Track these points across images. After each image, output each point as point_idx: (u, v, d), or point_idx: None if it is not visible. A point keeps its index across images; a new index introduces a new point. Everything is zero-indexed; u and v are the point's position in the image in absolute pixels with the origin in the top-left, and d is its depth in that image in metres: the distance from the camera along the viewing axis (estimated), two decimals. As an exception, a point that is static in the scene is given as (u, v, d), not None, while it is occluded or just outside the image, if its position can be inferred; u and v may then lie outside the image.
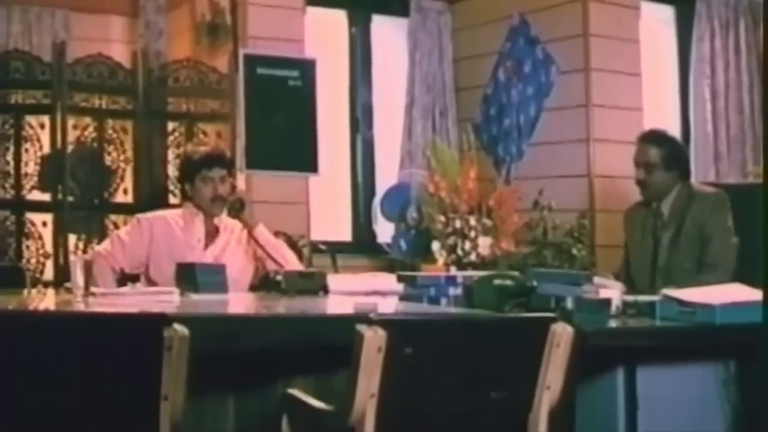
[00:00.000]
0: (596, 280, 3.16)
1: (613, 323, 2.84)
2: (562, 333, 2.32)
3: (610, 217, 5.43)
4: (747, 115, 6.45)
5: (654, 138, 4.15)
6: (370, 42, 6.71)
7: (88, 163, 5.46)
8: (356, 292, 3.50)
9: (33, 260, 5.32)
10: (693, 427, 2.80)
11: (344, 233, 6.52)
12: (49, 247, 5.34)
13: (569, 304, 2.91)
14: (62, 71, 5.36)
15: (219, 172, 3.85)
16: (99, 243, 4.53)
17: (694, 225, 3.98)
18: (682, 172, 4.11)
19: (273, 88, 5.69)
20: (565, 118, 5.97)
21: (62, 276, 4.64)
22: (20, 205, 5.38)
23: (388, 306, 3.21)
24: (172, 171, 5.50)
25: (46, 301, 3.36)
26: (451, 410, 2.29)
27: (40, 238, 5.36)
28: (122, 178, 5.51)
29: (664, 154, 4.05)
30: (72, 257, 4.66)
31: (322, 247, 5.83)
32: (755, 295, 2.54)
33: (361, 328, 2.15)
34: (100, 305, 2.93)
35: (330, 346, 2.45)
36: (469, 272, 3.97)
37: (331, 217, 6.42)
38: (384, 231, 5.95)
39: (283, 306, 3.19)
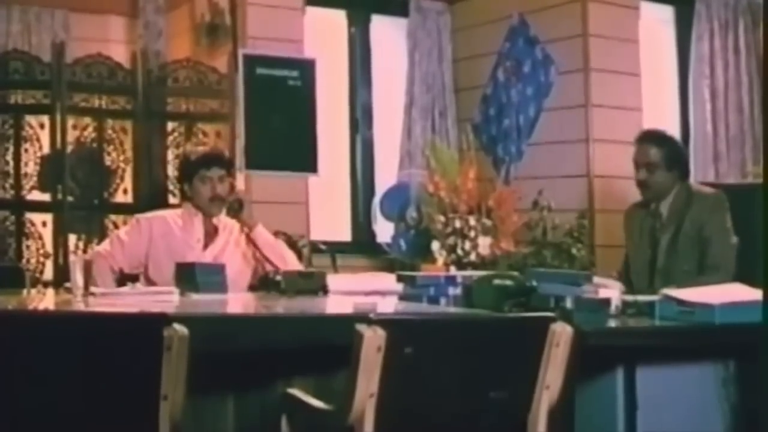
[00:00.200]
0: (596, 279, 3.16)
1: (612, 323, 2.84)
2: (562, 333, 2.33)
3: (609, 217, 5.43)
4: (746, 115, 6.45)
5: (654, 138, 4.13)
6: (370, 42, 6.70)
7: (87, 163, 5.45)
8: (356, 292, 3.50)
9: (33, 260, 5.32)
10: (692, 427, 2.80)
11: (344, 233, 6.52)
12: (48, 247, 5.34)
13: (569, 303, 2.91)
14: (62, 71, 5.35)
15: (217, 172, 3.85)
16: (99, 243, 4.54)
17: (692, 226, 3.97)
18: (681, 173, 4.10)
19: (272, 88, 5.69)
20: (564, 119, 5.97)
21: (62, 276, 4.63)
22: (20, 205, 5.37)
23: (388, 306, 3.21)
24: (171, 171, 5.49)
25: (46, 301, 3.36)
26: (451, 410, 2.29)
27: (40, 238, 5.35)
28: (122, 178, 5.50)
29: (665, 153, 4.04)
30: (72, 257, 4.66)
31: (322, 247, 5.83)
32: (755, 294, 2.55)
33: (361, 327, 2.16)
34: (100, 305, 2.94)
35: (329, 345, 2.45)
36: (469, 272, 3.96)
37: (330, 217, 6.41)
38: (383, 231, 5.95)
39: (282, 306, 3.19)
